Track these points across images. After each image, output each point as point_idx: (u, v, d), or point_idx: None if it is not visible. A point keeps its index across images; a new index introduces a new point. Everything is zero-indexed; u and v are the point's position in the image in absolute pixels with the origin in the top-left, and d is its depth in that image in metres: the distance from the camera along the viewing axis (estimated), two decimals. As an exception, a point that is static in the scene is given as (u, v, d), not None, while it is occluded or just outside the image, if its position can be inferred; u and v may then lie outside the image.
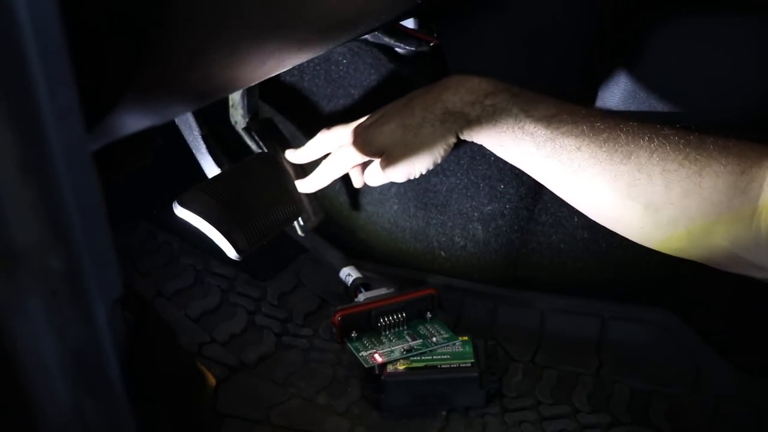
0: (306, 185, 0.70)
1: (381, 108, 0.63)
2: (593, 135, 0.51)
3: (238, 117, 0.72)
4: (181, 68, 0.31)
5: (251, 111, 0.72)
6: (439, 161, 0.61)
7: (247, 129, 0.72)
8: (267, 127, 0.74)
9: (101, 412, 0.26)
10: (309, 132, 0.84)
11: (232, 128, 0.74)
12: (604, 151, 0.51)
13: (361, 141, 0.62)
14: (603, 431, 0.63)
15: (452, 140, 0.59)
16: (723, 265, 0.50)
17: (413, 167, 0.61)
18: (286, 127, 0.84)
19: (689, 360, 0.70)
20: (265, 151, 0.72)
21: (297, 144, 0.84)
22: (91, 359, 0.25)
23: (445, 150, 0.60)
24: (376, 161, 0.63)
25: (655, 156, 0.49)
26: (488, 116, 0.56)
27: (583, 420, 0.64)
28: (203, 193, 0.60)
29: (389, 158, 0.61)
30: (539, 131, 0.53)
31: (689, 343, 0.71)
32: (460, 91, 0.57)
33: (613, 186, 0.51)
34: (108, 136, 0.30)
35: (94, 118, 0.27)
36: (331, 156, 0.67)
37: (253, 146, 0.72)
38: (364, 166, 0.66)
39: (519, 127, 0.54)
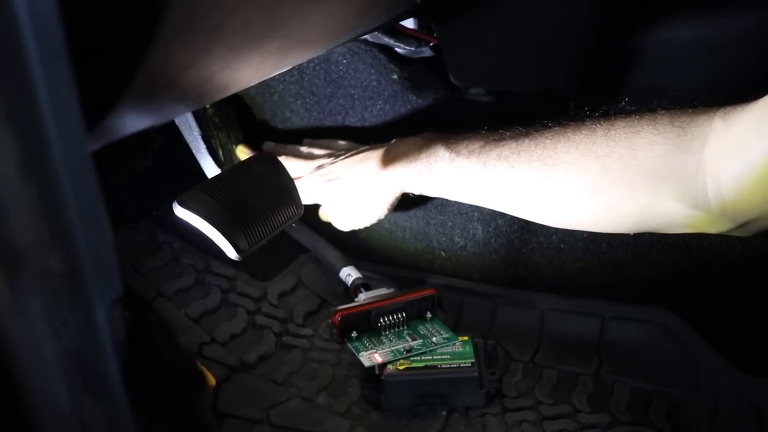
0: None
1: (335, 154, 0.72)
2: (521, 150, 0.56)
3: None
4: (181, 68, 0.31)
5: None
6: (382, 217, 0.70)
7: (204, 114, 0.73)
8: (226, 118, 0.76)
9: (101, 412, 0.26)
10: (309, 132, 0.84)
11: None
12: (535, 161, 0.54)
13: (312, 189, 0.70)
14: (603, 431, 0.63)
15: (395, 199, 0.68)
16: (682, 227, 0.51)
17: (355, 222, 0.70)
18: (286, 127, 0.84)
19: (689, 360, 0.70)
20: (217, 140, 0.74)
21: (296, 143, 0.84)
22: (91, 359, 0.25)
23: (389, 208, 0.69)
24: (323, 206, 0.73)
25: (584, 147, 0.52)
26: (426, 169, 0.62)
27: (583, 420, 0.64)
28: (203, 193, 0.60)
29: (335, 209, 0.70)
30: (472, 165, 0.59)
31: (689, 343, 0.71)
32: (399, 156, 0.65)
33: (554, 189, 0.54)
34: (108, 136, 0.30)
35: (94, 118, 0.27)
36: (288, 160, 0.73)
37: (196, 131, 0.73)
38: None
39: (454, 167, 0.60)
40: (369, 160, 0.67)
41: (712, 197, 0.47)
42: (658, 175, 0.49)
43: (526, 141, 0.56)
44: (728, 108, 0.48)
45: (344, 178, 0.68)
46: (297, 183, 0.68)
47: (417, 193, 0.65)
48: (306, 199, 0.69)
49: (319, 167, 0.71)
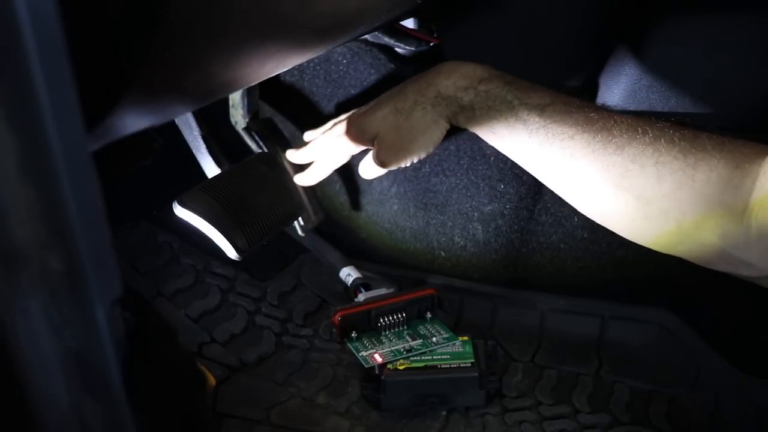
0: (305, 178, 0.70)
1: (375, 99, 0.64)
2: (587, 125, 0.51)
3: (238, 117, 0.72)
4: (181, 68, 0.31)
5: (251, 111, 0.72)
6: (430, 149, 0.60)
7: (247, 129, 0.72)
8: (267, 127, 0.75)
9: (101, 412, 0.26)
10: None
11: (232, 128, 0.74)
12: (598, 141, 0.50)
13: (354, 128, 0.63)
14: (603, 431, 0.63)
15: (444, 125, 0.59)
16: (712, 262, 0.50)
17: (405, 152, 0.60)
18: (286, 127, 0.84)
19: (689, 360, 0.70)
20: (265, 151, 0.72)
21: (297, 144, 0.84)
22: (91, 359, 0.25)
23: (438, 136, 0.59)
24: (369, 155, 0.63)
25: (649, 148, 0.49)
26: (481, 102, 0.55)
27: (583, 420, 0.64)
28: (203, 193, 0.60)
29: (381, 143, 0.61)
30: (532, 118, 0.53)
31: (689, 343, 0.71)
32: (453, 76, 0.57)
33: (605, 176, 0.50)
34: (108, 136, 0.30)
35: (94, 118, 0.27)
36: (326, 147, 0.67)
37: (253, 146, 0.72)
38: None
39: (512, 114, 0.54)
40: (417, 80, 0.60)
41: (754, 244, 0.45)
42: (707, 205, 0.47)
43: (596, 116, 0.51)
44: None
45: (391, 104, 0.60)
46: (332, 141, 0.64)
47: (462, 124, 0.58)
48: (348, 149, 0.64)
49: (358, 109, 0.65)
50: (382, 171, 0.64)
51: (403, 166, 0.62)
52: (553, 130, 0.52)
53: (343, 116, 0.67)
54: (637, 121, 0.50)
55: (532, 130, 0.53)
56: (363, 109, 0.64)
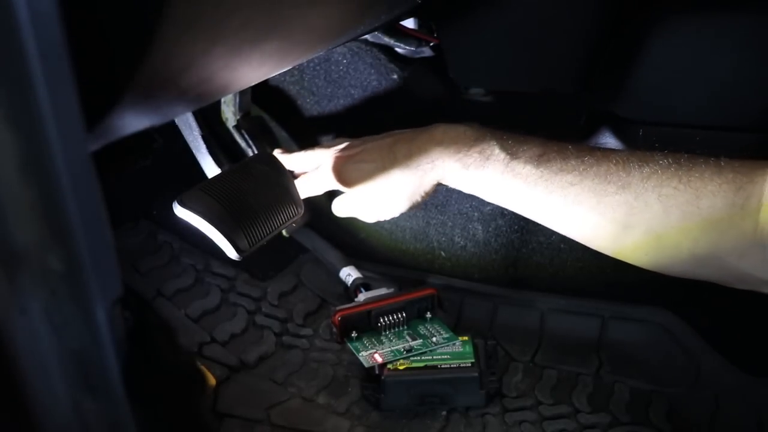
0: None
1: (364, 139, 0.64)
2: (584, 169, 0.52)
3: (229, 114, 0.72)
4: (181, 68, 0.31)
5: (243, 109, 0.72)
6: (406, 210, 0.61)
7: (237, 127, 0.72)
8: (257, 126, 0.75)
9: (101, 412, 0.26)
10: (309, 132, 0.84)
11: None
12: (598, 184, 0.51)
13: (337, 171, 0.63)
14: (603, 431, 0.63)
15: (429, 191, 0.60)
16: (734, 283, 0.50)
17: (384, 212, 0.62)
18: (286, 127, 0.84)
19: (689, 360, 0.70)
20: (255, 149, 0.72)
21: (287, 143, 0.84)
22: (91, 359, 0.25)
23: (422, 197, 0.60)
24: (347, 194, 0.64)
25: (649, 182, 0.49)
26: (475, 163, 0.56)
27: (583, 420, 0.64)
28: (203, 193, 0.60)
29: (357, 196, 0.62)
30: (529, 171, 0.53)
31: (689, 343, 0.71)
32: (445, 142, 0.57)
33: (611, 217, 0.51)
34: (108, 136, 0.30)
35: (94, 118, 0.27)
36: (307, 175, 0.68)
37: (243, 144, 0.72)
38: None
39: (508, 170, 0.54)
40: (409, 143, 0.59)
41: None
42: (717, 230, 0.47)
43: (591, 160, 0.52)
44: None
45: (378, 161, 0.60)
46: (313, 173, 0.64)
47: (456, 186, 0.59)
48: (325, 184, 0.64)
49: (346, 148, 0.64)
50: (353, 216, 0.65)
51: (377, 220, 0.64)
52: (552, 180, 0.52)
53: (330, 147, 0.66)
54: (632, 157, 0.51)
55: (531, 183, 0.53)
56: (349, 150, 0.63)
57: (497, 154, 0.55)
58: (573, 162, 0.52)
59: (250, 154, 0.73)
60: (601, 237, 0.53)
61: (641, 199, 0.49)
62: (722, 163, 0.48)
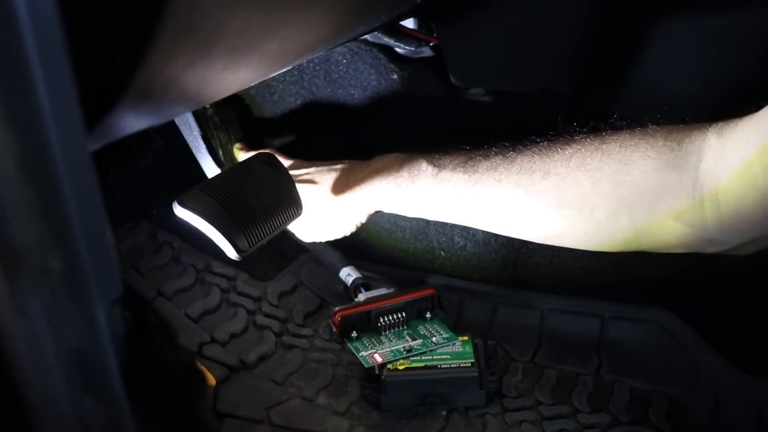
0: None
1: (315, 164, 0.69)
2: (508, 164, 0.53)
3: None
4: (181, 69, 0.31)
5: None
6: (347, 234, 0.66)
7: (204, 115, 0.73)
8: (223, 117, 0.75)
9: (101, 412, 0.26)
10: (309, 132, 0.84)
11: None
12: (523, 174, 0.52)
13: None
14: (603, 431, 0.63)
15: (367, 216, 0.64)
16: (676, 248, 0.50)
17: (322, 233, 0.67)
18: (286, 127, 0.84)
19: (689, 360, 0.70)
20: (216, 140, 0.73)
21: (296, 144, 0.84)
22: (91, 359, 0.25)
23: (357, 226, 0.65)
24: None
25: (573, 161, 0.50)
26: (406, 182, 0.59)
27: (583, 420, 0.64)
28: (203, 193, 0.60)
29: (303, 218, 0.65)
30: (457, 177, 0.56)
31: (689, 343, 0.71)
32: (378, 169, 0.62)
33: (543, 203, 0.52)
34: (108, 136, 0.30)
35: (94, 118, 0.27)
36: None
37: (196, 131, 0.72)
38: None
39: (437, 180, 0.57)
40: (346, 171, 0.64)
41: (710, 216, 0.45)
42: (652, 192, 0.47)
43: (514, 154, 0.54)
44: (722, 123, 0.46)
45: (317, 183, 0.65)
46: None
47: (394, 210, 0.62)
48: None
49: (294, 166, 0.69)
50: (300, 235, 0.71)
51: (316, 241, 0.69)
52: (480, 180, 0.54)
53: (286, 159, 0.71)
54: (554, 144, 0.52)
55: (460, 187, 0.55)
56: (301, 171, 0.68)
57: (425, 168, 0.58)
58: (497, 160, 0.54)
59: (214, 144, 0.73)
60: (539, 225, 0.54)
61: (568, 179, 0.50)
62: (651, 131, 0.48)
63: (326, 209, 0.65)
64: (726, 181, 0.43)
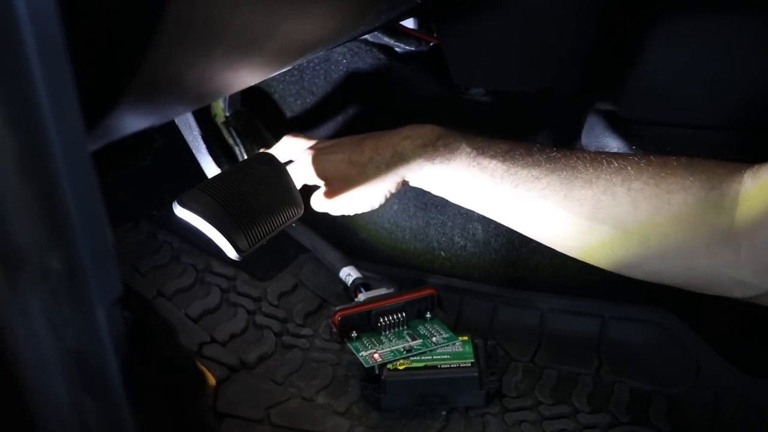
0: None
1: (337, 139, 0.64)
2: (551, 164, 0.51)
3: (218, 110, 0.72)
4: (181, 68, 0.31)
5: (233, 106, 0.72)
6: (376, 206, 0.61)
7: (225, 123, 0.72)
8: (246, 123, 0.75)
9: (101, 412, 0.26)
10: (309, 132, 0.84)
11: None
12: (565, 179, 0.50)
13: (307, 163, 0.63)
14: (603, 431, 0.63)
15: (396, 186, 0.59)
16: (701, 287, 0.49)
17: (350, 204, 0.61)
18: (286, 127, 0.84)
19: (689, 360, 0.70)
20: (242, 147, 0.72)
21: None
22: (91, 359, 0.25)
23: (385, 197, 0.60)
24: (321, 188, 0.63)
25: (618, 177, 0.48)
26: (441, 157, 0.56)
27: (583, 420, 0.64)
28: (203, 193, 0.60)
29: (328, 188, 0.62)
30: (496, 165, 0.53)
31: (689, 343, 0.71)
32: (412, 137, 0.57)
33: (578, 212, 0.50)
34: (108, 136, 0.30)
35: (94, 118, 0.27)
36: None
37: (230, 141, 0.72)
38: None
39: (474, 163, 0.54)
40: (375, 137, 0.60)
41: (746, 260, 0.44)
42: (689, 226, 0.46)
43: (558, 156, 0.52)
44: (758, 166, 0.45)
45: (346, 152, 0.60)
46: (292, 164, 0.64)
47: (421, 185, 0.58)
48: (300, 178, 0.63)
49: (319, 142, 0.65)
50: (324, 210, 0.64)
51: (346, 214, 0.62)
52: (519, 174, 0.52)
53: (305, 140, 0.67)
54: (600, 155, 0.51)
55: (497, 177, 0.53)
56: (322, 144, 0.64)
57: (463, 148, 0.55)
58: (540, 157, 0.52)
59: (237, 152, 0.73)
60: (568, 234, 0.52)
61: (609, 192, 0.48)
62: (695, 163, 0.47)
63: (354, 178, 0.60)
64: (763, 229, 0.42)
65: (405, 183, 0.59)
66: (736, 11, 0.62)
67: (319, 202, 0.64)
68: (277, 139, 0.82)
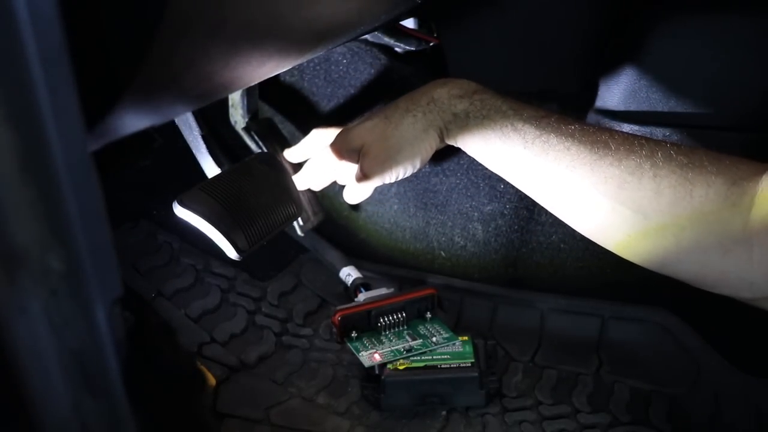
0: (299, 180, 0.69)
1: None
2: (583, 137, 0.51)
3: (237, 117, 0.72)
4: (181, 68, 0.31)
5: (251, 111, 0.72)
6: (417, 164, 0.58)
7: (246, 129, 0.72)
8: (266, 127, 0.75)
9: (101, 412, 0.26)
10: (309, 132, 0.84)
11: (232, 128, 0.74)
12: (595, 153, 0.50)
13: (340, 138, 0.62)
14: (603, 431, 0.63)
15: (435, 138, 0.57)
16: (713, 284, 0.49)
17: (391, 163, 0.58)
18: (286, 127, 0.84)
19: (689, 360, 0.70)
20: (265, 150, 0.72)
21: (297, 144, 0.84)
22: (91, 359, 0.25)
23: (426, 150, 0.57)
24: (352, 179, 0.61)
25: (647, 161, 0.48)
26: (476, 110, 0.54)
27: (583, 420, 0.64)
28: (203, 193, 0.60)
29: (367, 154, 0.59)
30: (529, 128, 0.52)
31: (689, 343, 0.71)
32: (447, 86, 0.56)
33: (603, 189, 0.49)
34: (108, 136, 0.30)
35: (94, 118, 0.27)
36: (311, 160, 0.67)
37: (253, 146, 0.72)
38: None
39: (508, 123, 0.53)
40: (412, 92, 0.58)
41: (757, 261, 0.44)
42: (705, 221, 0.46)
43: (592, 130, 0.51)
44: None
45: (381, 114, 0.59)
46: (317, 155, 0.63)
47: (455, 140, 0.56)
48: (331, 162, 0.61)
49: (348, 127, 0.63)
50: (366, 193, 0.62)
51: (387, 180, 0.59)
52: (550, 141, 0.51)
53: (336, 127, 0.66)
54: (634, 137, 0.50)
55: (528, 141, 0.52)
56: (354, 122, 0.63)
57: (499, 106, 0.54)
58: (573, 128, 0.51)
59: None
60: (588, 212, 0.51)
61: (636, 175, 0.48)
62: (723, 158, 0.47)
63: (391, 134, 0.57)
64: None
65: (443, 139, 0.57)
66: (736, 11, 0.62)
67: (354, 189, 0.61)
68: (293, 136, 0.82)
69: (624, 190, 0.49)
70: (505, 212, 0.77)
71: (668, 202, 0.47)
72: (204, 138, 0.70)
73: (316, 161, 0.66)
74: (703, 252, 0.47)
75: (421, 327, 0.69)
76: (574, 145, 0.50)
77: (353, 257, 0.81)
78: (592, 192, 0.50)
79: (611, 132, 0.51)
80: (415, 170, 0.59)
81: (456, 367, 0.64)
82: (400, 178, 0.59)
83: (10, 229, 0.22)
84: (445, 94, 0.56)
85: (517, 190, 0.76)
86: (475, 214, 0.79)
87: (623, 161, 0.49)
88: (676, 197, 0.47)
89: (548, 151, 0.51)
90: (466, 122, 0.55)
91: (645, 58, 0.66)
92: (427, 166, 0.78)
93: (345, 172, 0.65)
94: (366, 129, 0.59)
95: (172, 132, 0.72)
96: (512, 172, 0.55)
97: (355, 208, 0.84)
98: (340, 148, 0.61)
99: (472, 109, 0.55)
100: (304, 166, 0.68)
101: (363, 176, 0.59)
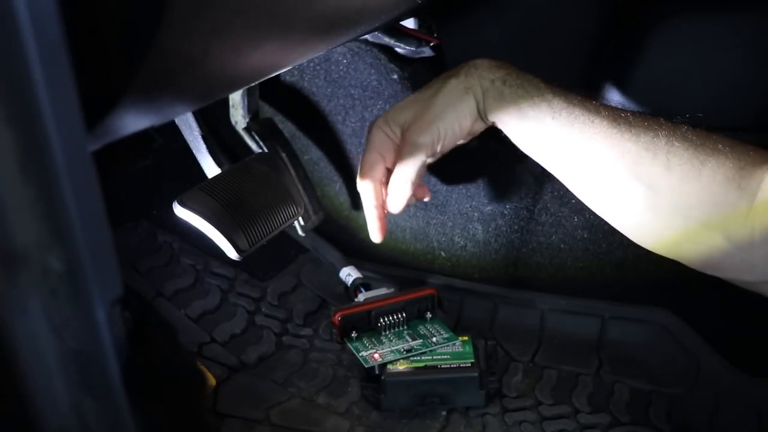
0: (390, 205, 0.64)
1: None
2: (606, 112, 0.53)
3: (238, 117, 0.72)
4: (181, 68, 0.31)
5: (251, 111, 0.72)
6: (457, 130, 0.58)
7: (247, 129, 0.72)
8: (267, 127, 0.75)
9: (101, 412, 0.26)
10: (309, 132, 0.84)
11: (232, 128, 0.74)
12: (615, 127, 0.52)
13: (381, 120, 0.61)
14: (603, 431, 0.63)
15: (473, 106, 0.57)
16: (715, 266, 0.50)
17: (435, 126, 0.58)
18: (286, 127, 0.84)
19: (689, 360, 0.70)
20: (266, 151, 0.72)
21: (297, 144, 0.84)
22: (91, 359, 0.25)
23: (467, 115, 0.58)
24: (392, 187, 0.61)
25: (662, 139, 0.50)
26: (512, 80, 0.56)
27: (583, 420, 0.64)
28: (203, 193, 0.60)
29: (411, 125, 0.59)
30: (558, 101, 0.54)
31: (689, 343, 0.71)
32: (485, 61, 0.59)
33: (620, 163, 0.51)
34: (108, 136, 0.30)
35: (94, 118, 0.27)
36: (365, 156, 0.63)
37: (254, 146, 0.72)
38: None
39: (539, 94, 0.55)
40: (445, 75, 0.60)
41: (759, 245, 0.46)
42: (712, 201, 0.47)
43: (616, 108, 0.54)
44: None
45: (420, 89, 0.61)
46: (370, 135, 0.62)
47: (492, 112, 0.57)
48: (388, 125, 0.60)
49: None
50: (407, 192, 0.61)
51: (432, 149, 0.59)
52: (576, 113, 0.53)
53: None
54: (653, 117, 0.52)
55: (556, 111, 0.54)
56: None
57: (531, 79, 0.56)
58: (597, 105, 0.54)
59: None
60: (603, 183, 0.53)
61: (651, 150, 0.50)
62: (736, 144, 0.49)
63: (431, 100, 0.58)
64: None
65: (480, 112, 0.58)
66: (736, 11, 0.62)
67: (397, 192, 0.61)
68: (292, 136, 0.82)
69: (639, 165, 0.50)
70: (505, 212, 0.77)
71: (678, 177, 0.49)
72: (204, 138, 0.70)
73: (368, 157, 0.63)
74: (708, 232, 0.48)
75: (421, 327, 0.69)
76: (598, 118, 0.52)
77: (353, 257, 0.81)
78: (610, 165, 0.52)
79: (631, 111, 0.53)
80: (457, 141, 0.60)
81: (456, 367, 0.64)
82: (446, 146, 0.59)
83: (10, 229, 0.22)
84: (484, 63, 0.58)
85: (518, 191, 0.76)
86: (475, 214, 0.79)
87: (641, 136, 0.51)
88: (686, 173, 0.48)
89: (573, 122, 0.53)
90: (502, 90, 0.57)
91: (645, 59, 0.66)
92: (427, 167, 0.78)
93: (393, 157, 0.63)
94: (408, 102, 0.60)
95: (172, 132, 0.72)
96: (538, 144, 0.56)
97: (356, 207, 0.84)
98: (382, 127, 0.61)
99: (508, 78, 0.57)
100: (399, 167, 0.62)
101: (411, 143, 0.59)
